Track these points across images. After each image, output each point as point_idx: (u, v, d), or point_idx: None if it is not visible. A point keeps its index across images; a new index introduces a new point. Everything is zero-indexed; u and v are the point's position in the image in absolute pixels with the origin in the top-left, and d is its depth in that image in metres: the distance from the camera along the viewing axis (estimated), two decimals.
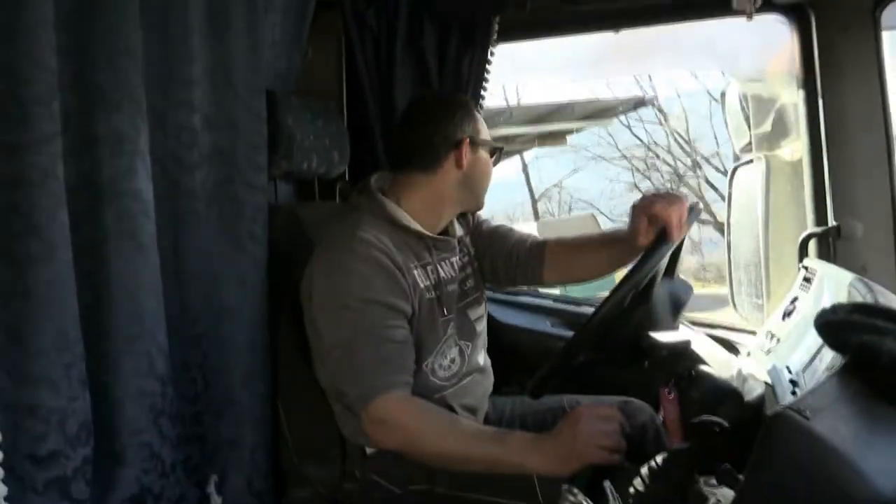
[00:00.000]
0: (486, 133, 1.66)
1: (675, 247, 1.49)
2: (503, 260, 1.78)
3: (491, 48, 2.13)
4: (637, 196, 1.89)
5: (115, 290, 1.20)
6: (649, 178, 15.60)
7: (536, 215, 17.19)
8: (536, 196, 17.74)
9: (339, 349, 1.44)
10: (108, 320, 1.20)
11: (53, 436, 1.07)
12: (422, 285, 1.54)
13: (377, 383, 1.40)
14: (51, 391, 1.07)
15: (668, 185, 14.98)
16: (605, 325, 1.41)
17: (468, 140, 1.59)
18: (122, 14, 1.18)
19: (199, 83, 1.41)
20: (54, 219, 1.06)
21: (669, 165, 15.56)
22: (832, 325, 1.01)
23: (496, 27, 2.11)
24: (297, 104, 1.73)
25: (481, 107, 2.17)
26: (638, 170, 15.94)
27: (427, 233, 1.58)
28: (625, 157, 15.95)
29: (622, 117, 13.91)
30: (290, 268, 1.56)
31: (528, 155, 15.36)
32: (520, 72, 2.77)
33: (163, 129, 1.33)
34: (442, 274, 1.61)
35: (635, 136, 15.71)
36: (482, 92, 2.16)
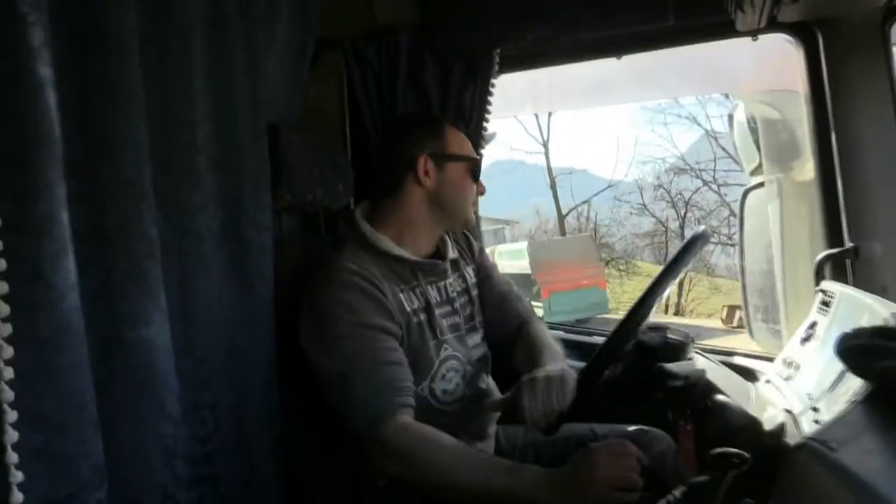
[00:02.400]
0: (458, 147, 1.66)
1: (680, 275, 1.48)
2: (500, 328, 1.77)
3: (492, 79, 2.14)
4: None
5: (125, 334, 1.19)
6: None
7: (563, 231, 17.28)
8: (564, 213, 17.90)
9: (337, 380, 1.43)
10: (118, 364, 1.19)
11: (67, 480, 1.06)
12: (409, 308, 1.54)
13: (379, 409, 1.39)
14: (62, 435, 1.06)
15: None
16: (619, 355, 1.38)
17: (427, 157, 1.60)
18: (122, 60, 1.18)
19: (202, 125, 1.41)
20: (60, 265, 1.05)
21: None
22: (855, 350, 0.99)
23: (497, 59, 2.13)
24: (299, 139, 1.74)
25: (484, 138, 2.17)
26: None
27: (410, 257, 1.59)
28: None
29: None
30: (299, 305, 1.55)
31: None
32: (523, 101, 2.76)
33: (167, 172, 1.32)
34: (431, 297, 1.61)
35: None
36: (485, 123, 2.17)
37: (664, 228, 14.18)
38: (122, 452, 1.19)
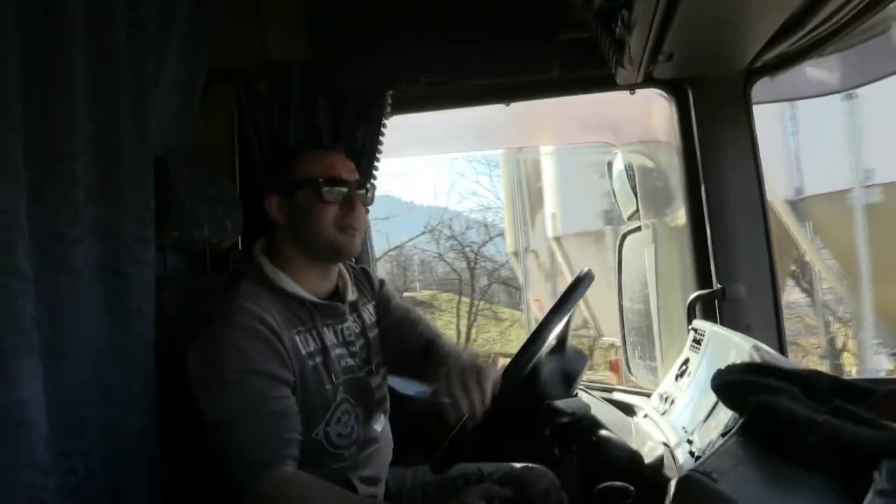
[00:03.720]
0: (304, 172, 1.58)
1: (569, 314, 1.52)
2: (404, 353, 1.73)
3: (384, 120, 2.16)
4: None
5: None
6: None
7: None
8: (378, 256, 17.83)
9: (222, 426, 1.38)
10: None
11: None
12: (303, 352, 1.50)
13: (262, 459, 1.35)
14: None
15: None
16: (507, 396, 1.40)
17: (273, 195, 1.58)
18: (0, 87, 1.12)
19: (82, 155, 1.34)
20: None
21: None
22: (729, 385, 1.05)
23: (390, 100, 2.15)
24: (187, 173, 1.68)
25: (374, 177, 2.17)
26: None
27: (308, 297, 1.55)
28: None
29: None
30: (181, 345, 1.48)
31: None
32: (413, 142, 2.80)
33: (43, 202, 1.25)
34: (327, 340, 1.56)
35: None
36: (375, 163, 2.17)
37: (458, 277, 14.56)
38: None
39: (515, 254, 10.71)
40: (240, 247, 2.04)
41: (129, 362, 1.45)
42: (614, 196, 2.70)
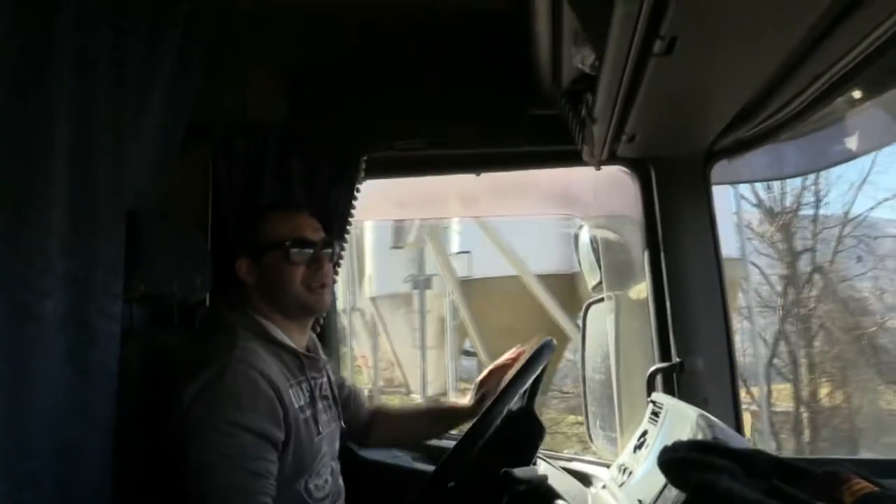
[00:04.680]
0: (272, 233, 1.63)
1: (528, 383, 1.55)
2: (352, 415, 1.88)
3: (358, 184, 2.20)
4: None
5: None
6: None
7: None
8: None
9: (203, 471, 1.40)
10: None
11: None
12: (296, 405, 1.52)
13: None
14: None
15: None
16: (466, 460, 1.41)
17: (241, 259, 1.63)
18: None
19: (58, 206, 1.36)
20: None
21: None
22: (673, 463, 1.08)
23: (364, 164, 2.20)
24: (159, 227, 1.69)
25: (346, 240, 2.21)
26: None
27: (298, 349, 1.60)
28: None
29: None
30: (142, 399, 1.48)
31: None
32: (385, 206, 2.86)
33: (16, 253, 1.26)
34: (315, 392, 1.61)
35: None
36: (347, 226, 2.20)
37: None
38: None
39: (344, 311, 11.18)
40: (208, 302, 2.04)
41: (89, 415, 1.43)
42: (580, 265, 2.75)
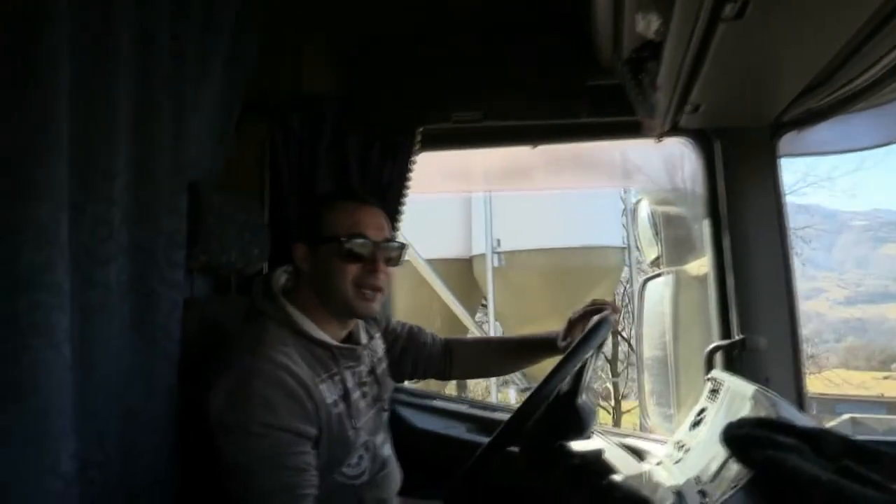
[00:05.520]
0: (332, 228, 1.56)
1: (594, 351, 1.53)
2: (423, 358, 1.87)
3: (413, 156, 2.20)
4: None
5: (25, 386, 1.13)
6: None
7: None
8: None
9: (240, 472, 1.39)
10: (16, 418, 1.13)
11: None
12: (329, 400, 1.50)
13: None
14: None
15: None
16: (522, 431, 1.41)
17: (300, 244, 1.59)
18: (51, 107, 1.16)
19: (120, 176, 1.39)
20: None
21: None
22: (738, 439, 1.05)
23: (419, 137, 2.20)
24: (218, 199, 1.73)
25: (400, 212, 2.21)
26: None
27: (331, 341, 1.55)
28: None
29: None
30: (204, 366, 1.51)
31: None
32: (434, 180, 2.85)
33: (80, 221, 1.29)
34: (349, 384, 1.58)
35: None
36: (402, 199, 2.21)
37: None
38: None
39: None
40: (264, 272, 2.08)
41: (153, 380, 1.48)
42: (637, 241, 2.71)
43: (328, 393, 1.51)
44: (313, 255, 1.57)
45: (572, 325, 1.72)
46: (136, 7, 1.42)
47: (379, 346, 1.79)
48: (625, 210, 8.65)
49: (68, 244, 1.22)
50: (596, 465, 1.43)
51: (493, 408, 2.42)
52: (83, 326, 1.32)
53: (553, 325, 1.82)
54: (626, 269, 9.05)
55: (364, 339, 1.69)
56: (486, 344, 1.97)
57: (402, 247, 1.63)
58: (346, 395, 1.56)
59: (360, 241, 1.54)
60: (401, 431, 1.78)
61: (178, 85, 1.57)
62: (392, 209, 2.15)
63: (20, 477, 1.14)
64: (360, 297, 1.54)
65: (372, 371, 1.70)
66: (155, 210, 1.49)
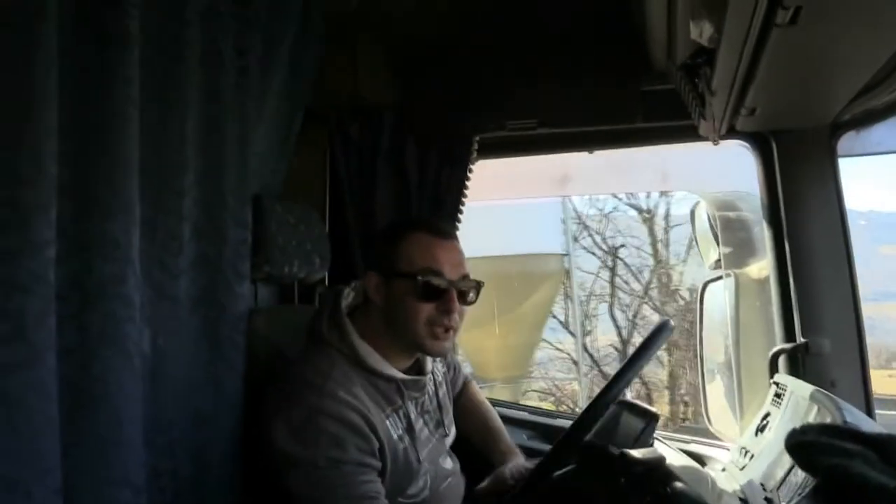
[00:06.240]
0: (409, 263, 1.50)
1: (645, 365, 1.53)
2: (469, 428, 1.87)
3: (470, 164, 2.22)
4: None
5: (96, 396, 1.17)
6: None
7: None
8: None
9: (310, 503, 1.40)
10: (86, 427, 1.15)
11: None
12: (394, 435, 1.50)
13: None
14: (24, 499, 1.03)
15: None
16: (582, 441, 1.42)
17: (374, 274, 1.54)
18: (122, 125, 1.20)
19: (189, 192, 1.44)
20: (42, 324, 1.04)
21: None
22: (803, 446, 1.04)
23: (476, 145, 2.22)
24: (281, 210, 1.77)
25: (459, 220, 2.23)
26: None
27: (396, 375, 1.53)
28: None
29: None
30: (269, 373, 1.55)
31: None
32: (498, 187, 2.87)
33: (152, 236, 1.34)
34: (412, 415, 1.57)
35: None
36: (461, 206, 2.23)
37: None
38: None
39: None
40: (326, 282, 2.13)
41: (220, 388, 1.51)
42: (696, 243, 2.68)
43: (393, 429, 1.50)
44: (386, 287, 1.52)
45: (496, 478, 1.70)
46: (203, 21, 1.47)
47: (439, 370, 1.77)
48: (564, 218, 9.02)
49: (140, 259, 1.27)
50: (659, 472, 1.42)
51: (554, 415, 2.42)
52: (154, 338, 1.36)
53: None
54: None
55: (429, 366, 1.67)
56: (478, 418, 1.91)
57: (479, 284, 1.57)
58: (409, 428, 1.55)
59: (435, 279, 1.48)
60: (461, 439, 1.80)
61: (242, 99, 1.62)
62: (450, 217, 2.17)
63: (91, 486, 1.16)
64: (432, 336, 1.51)
65: (435, 395, 1.70)
66: (222, 223, 1.54)
